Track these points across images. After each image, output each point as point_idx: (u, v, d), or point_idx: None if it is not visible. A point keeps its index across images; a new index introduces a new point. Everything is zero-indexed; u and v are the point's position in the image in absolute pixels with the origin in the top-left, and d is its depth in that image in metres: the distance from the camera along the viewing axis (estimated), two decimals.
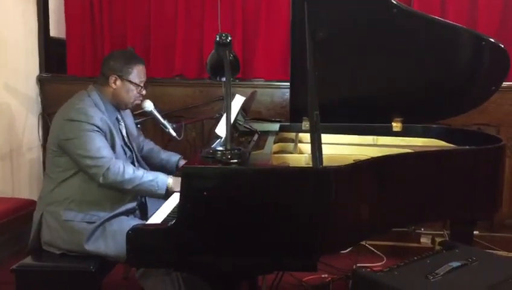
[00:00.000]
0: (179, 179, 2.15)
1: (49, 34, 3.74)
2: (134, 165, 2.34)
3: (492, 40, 2.32)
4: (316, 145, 1.71)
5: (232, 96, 2.32)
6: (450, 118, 2.79)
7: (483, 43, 2.32)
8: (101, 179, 2.12)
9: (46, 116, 3.63)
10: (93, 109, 2.19)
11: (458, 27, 2.39)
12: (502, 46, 2.32)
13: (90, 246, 2.12)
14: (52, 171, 2.23)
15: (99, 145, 2.13)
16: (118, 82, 2.26)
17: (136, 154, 2.42)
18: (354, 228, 1.82)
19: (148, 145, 2.67)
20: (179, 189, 2.09)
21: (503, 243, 3.30)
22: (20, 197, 3.36)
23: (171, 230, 1.68)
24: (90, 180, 2.17)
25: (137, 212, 2.34)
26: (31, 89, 3.63)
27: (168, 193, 2.19)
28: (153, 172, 2.25)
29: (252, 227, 1.67)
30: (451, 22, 2.45)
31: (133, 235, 1.72)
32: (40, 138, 3.65)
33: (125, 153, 2.33)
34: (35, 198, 3.24)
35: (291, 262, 1.70)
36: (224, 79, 1.93)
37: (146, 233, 1.74)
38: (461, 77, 2.45)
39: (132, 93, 2.29)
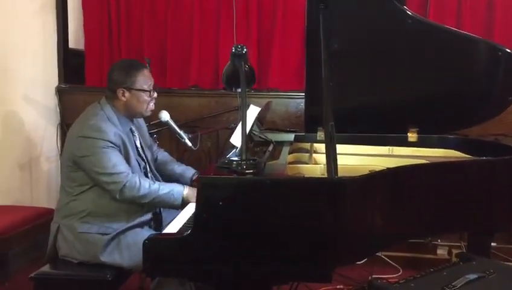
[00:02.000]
0: (194, 189, 2.17)
1: (68, 46, 3.81)
2: (148, 176, 2.36)
3: (508, 50, 2.30)
4: (331, 155, 1.72)
5: (248, 107, 2.33)
6: (466, 128, 2.77)
7: (500, 53, 2.30)
8: (118, 195, 2.13)
9: (65, 126, 3.68)
10: (107, 124, 2.19)
11: (474, 38, 2.38)
12: None
13: (106, 258, 2.14)
14: (68, 185, 2.25)
15: (114, 161, 2.13)
16: (127, 94, 2.25)
17: (149, 165, 2.42)
18: (370, 239, 1.81)
19: (163, 156, 2.65)
20: (194, 199, 2.13)
21: None
22: (38, 206, 3.40)
23: (187, 239, 1.69)
24: (105, 194, 2.18)
25: (151, 223, 2.35)
26: (50, 100, 3.69)
27: (184, 203, 2.21)
28: (168, 184, 2.26)
29: (267, 237, 1.67)
30: (467, 33, 2.45)
31: (150, 244, 1.73)
32: (59, 148, 3.70)
33: (140, 164, 2.34)
34: (53, 207, 3.28)
35: (307, 272, 1.69)
36: (239, 90, 1.95)
37: (162, 243, 1.76)
38: (478, 87, 2.44)
39: (143, 100, 2.27)
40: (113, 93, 2.27)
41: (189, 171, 2.58)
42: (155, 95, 2.33)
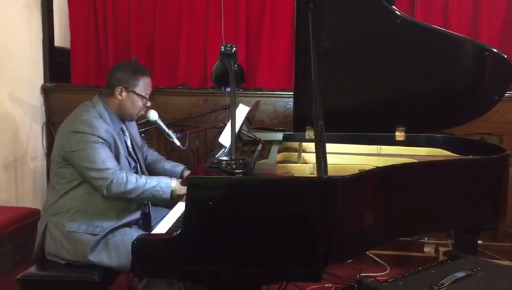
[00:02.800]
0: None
1: (53, 44, 3.77)
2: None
3: (495, 50, 2.33)
4: (321, 154, 1.72)
5: (237, 106, 2.32)
6: (453, 127, 2.80)
7: (486, 53, 2.33)
8: (105, 191, 2.13)
9: (50, 125, 3.65)
10: (98, 121, 2.20)
11: (461, 38, 2.40)
12: (505, 56, 2.33)
13: (94, 258, 2.13)
14: (57, 182, 2.24)
15: (104, 157, 2.14)
16: (124, 93, 2.27)
17: (140, 165, 2.43)
18: (360, 238, 1.81)
19: (152, 155, 2.69)
20: (183, 191, 2.14)
21: (507, 252, 3.30)
22: (24, 206, 3.36)
23: (177, 240, 1.69)
24: (94, 191, 2.18)
25: (140, 222, 2.34)
26: (35, 99, 3.65)
27: (174, 197, 2.21)
28: (155, 177, 2.27)
29: (257, 237, 1.67)
30: (454, 33, 2.46)
31: (139, 245, 1.72)
32: (44, 147, 3.66)
33: (130, 164, 2.34)
34: (39, 207, 3.27)
35: (297, 272, 1.70)
36: (228, 89, 1.94)
37: (151, 243, 1.75)
38: (464, 86, 2.46)
39: (137, 105, 2.31)
40: (111, 90, 2.28)
41: (179, 167, 2.62)
42: (149, 104, 2.37)
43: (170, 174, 2.56)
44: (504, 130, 3.29)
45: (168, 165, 2.63)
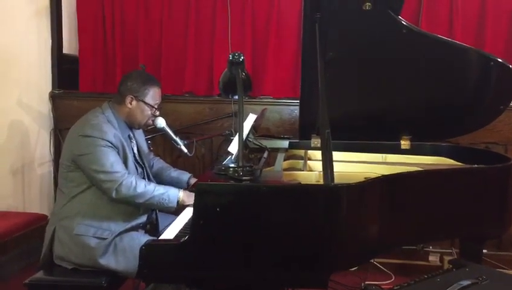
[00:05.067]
0: (190, 193, 2.23)
1: (62, 51, 3.81)
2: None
3: (500, 60, 2.34)
4: (328, 162, 1.74)
5: (245, 114, 2.35)
6: (458, 136, 2.81)
7: (492, 63, 2.34)
8: (113, 194, 2.15)
9: (58, 132, 3.68)
10: (107, 125, 2.24)
11: (466, 47, 2.42)
12: (510, 66, 2.35)
13: (102, 261, 2.14)
14: (65, 186, 2.27)
15: (112, 161, 2.17)
16: (134, 102, 2.31)
17: (147, 171, 2.46)
18: (365, 245, 1.83)
19: (158, 163, 2.71)
20: (189, 202, 2.18)
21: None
22: (31, 211, 3.39)
23: (184, 246, 1.71)
24: (102, 195, 2.20)
25: (148, 227, 2.36)
26: (44, 105, 3.68)
27: (179, 207, 2.23)
28: (164, 186, 2.29)
29: (264, 243, 1.69)
30: (459, 43, 2.48)
31: (146, 250, 1.74)
32: (52, 153, 3.69)
33: (137, 170, 2.37)
34: (46, 213, 3.30)
35: (302, 278, 1.71)
36: (236, 97, 1.96)
37: (159, 249, 1.77)
38: (469, 96, 2.48)
39: (146, 114, 2.35)
40: (121, 98, 2.32)
41: (185, 175, 2.65)
42: (157, 113, 2.41)
43: (177, 182, 2.59)
44: (509, 139, 3.30)
45: (175, 173, 2.66)
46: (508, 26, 3.31)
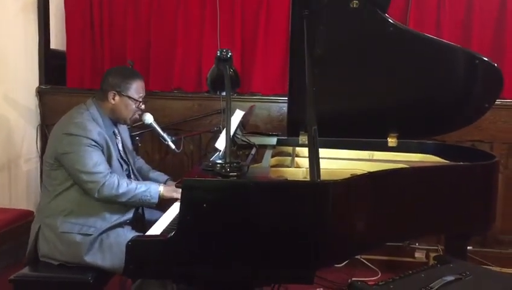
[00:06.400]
0: (170, 187, 2.27)
1: (49, 46, 3.78)
2: (131, 178, 2.39)
3: (485, 59, 2.37)
4: (314, 159, 1.75)
5: (232, 111, 2.35)
6: (445, 134, 2.83)
7: (477, 61, 2.37)
8: (96, 194, 2.15)
9: (45, 127, 3.65)
10: (91, 123, 2.21)
11: (452, 46, 2.44)
12: (495, 65, 2.37)
13: (88, 258, 2.14)
14: (49, 183, 2.25)
15: (95, 161, 2.15)
16: (117, 98, 2.29)
17: (132, 168, 2.45)
18: (351, 241, 1.84)
19: (138, 163, 2.68)
20: (170, 195, 2.24)
21: (496, 258, 3.33)
22: (17, 207, 3.36)
23: (171, 241, 1.70)
24: (86, 193, 2.19)
25: (134, 223, 2.36)
26: (30, 101, 3.66)
27: (161, 201, 2.25)
28: (145, 183, 2.30)
29: (251, 239, 1.69)
30: (446, 41, 2.50)
31: (133, 246, 1.74)
32: (38, 149, 3.67)
33: (122, 167, 2.36)
34: (32, 209, 3.28)
35: (289, 274, 1.72)
36: (224, 93, 1.97)
37: (145, 244, 1.76)
38: (455, 94, 2.50)
39: (131, 108, 2.32)
40: (103, 94, 2.30)
41: (162, 177, 2.63)
42: (142, 106, 2.38)
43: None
44: (494, 137, 3.34)
45: (153, 174, 2.64)
46: (495, 25, 3.34)
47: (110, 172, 2.20)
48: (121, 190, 2.17)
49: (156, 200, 2.23)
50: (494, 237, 3.38)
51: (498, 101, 2.68)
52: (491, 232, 3.33)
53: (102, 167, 2.17)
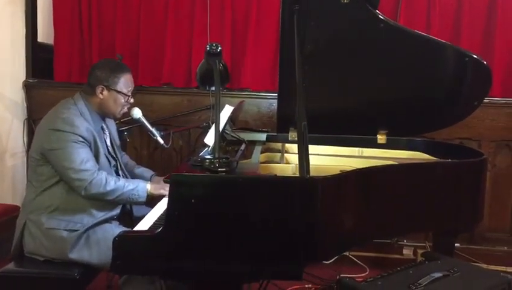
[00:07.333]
0: (158, 184, 2.25)
1: (36, 40, 3.72)
2: (119, 174, 2.37)
3: (475, 56, 2.38)
4: (304, 155, 1.74)
5: (222, 106, 2.34)
6: (434, 131, 2.84)
7: (467, 59, 2.38)
8: (83, 192, 2.12)
9: (32, 122, 3.61)
10: (79, 119, 2.17)
11: (442, 43, 2.44)
12: (485, 62, 2.38)
13: (74, 255, 2.11)
14: (35, 179, 2.21)
15: (83, 158, 2.12)
16: (105, 92, 2.25)
17: (120, 163, 2.42)
18: (340, 237, 1.84)
19: (124, 159, 2.63)
20: (158, 192, 2.21)
21: (483, 255, 3.36)
22: (3, 202, 3.31)
23: (158, 237, 1.69)
24: (73, 189, 2.16)
25: (121, 219, 2.33)
26: (17, 95, 3.60)
27: (149, 199, 2.23)
28: (133, 180, 2.27)
29: (239, 235, 1.68)
30: (436, 38, 2.50)
31: (120, 242, 1.72)
32: (25, 143, 3.62)
33: (110, 162, 2.33)
34: (18, 203, 3.22)
35: (278, 270, 1.71)
36: (213, 88, 1.95)
37: (132, 240, 1.74)
38: (444, 91, 2.51)
39: (120, 103, 2.29)
40: (91, 89, 2.26)
41: (148, 173, 2.59)
42: (131, 100, 2.34)
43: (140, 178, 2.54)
44: (482, 135, 3.36)
45: (138, 170, 2.61)
46: (484, 22, 3.36)
47: (98, 169, 2.17)
48: (108, 188, 2.13)
49: (143, 199, 2.20)
50: (481, 234, 3.41)
51: (486, 100, 2.70)
52: (479, 230, 3.36)
53: (90, 164, 2.14)
